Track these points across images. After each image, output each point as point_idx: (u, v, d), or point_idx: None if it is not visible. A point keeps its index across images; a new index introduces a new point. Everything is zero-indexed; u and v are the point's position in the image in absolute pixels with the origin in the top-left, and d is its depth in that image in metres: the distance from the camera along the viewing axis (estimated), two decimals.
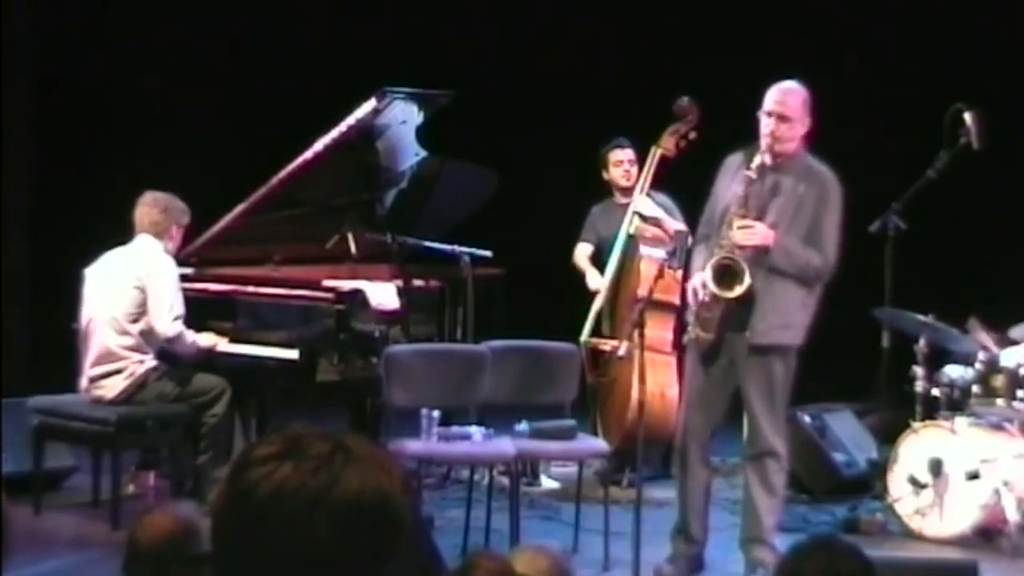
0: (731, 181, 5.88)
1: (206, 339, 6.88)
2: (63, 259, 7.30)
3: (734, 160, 5.98)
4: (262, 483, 1.60)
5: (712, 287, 5.69)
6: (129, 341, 6.68)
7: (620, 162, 7.82)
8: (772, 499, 5.90)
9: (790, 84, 5.84)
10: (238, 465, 1.64)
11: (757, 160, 5.74)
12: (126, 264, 6.74)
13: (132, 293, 6.67)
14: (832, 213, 5.79)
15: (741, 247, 5.68)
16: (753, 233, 5.68)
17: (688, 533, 6.01)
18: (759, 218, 5.73)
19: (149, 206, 6.80)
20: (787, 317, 5.78)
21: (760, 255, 5.70)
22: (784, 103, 5.77)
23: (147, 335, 6.70)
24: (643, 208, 7.63)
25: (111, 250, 6.84)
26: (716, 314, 5.78)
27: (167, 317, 6.66)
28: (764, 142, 5.76)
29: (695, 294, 5.81)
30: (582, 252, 7.94)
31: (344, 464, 1.62)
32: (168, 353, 6.85)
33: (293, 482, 1.60)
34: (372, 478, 1.63)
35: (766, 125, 5.76)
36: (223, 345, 6.92)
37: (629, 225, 7.65)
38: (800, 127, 5.80)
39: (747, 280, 5.64)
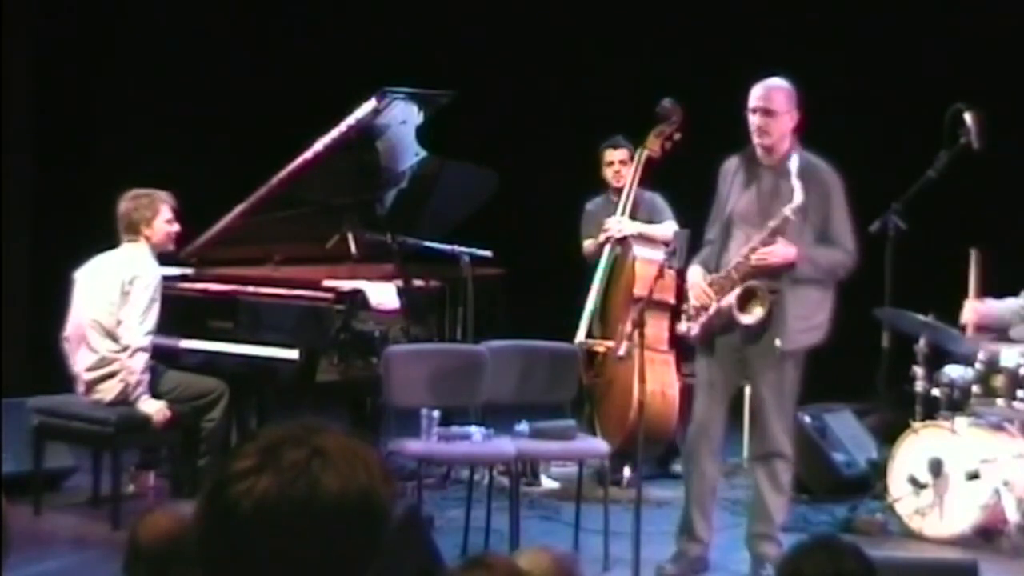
0: (731, 186, 5.91)
1: (151, 405, 6.58)
2: (63, 259, 7.29)
3: (731, 164, 6.00)
4: (243, 499, 1.59)
5: (736, 315, 5.74)
6: (119, 345, 6.64)
7: (611, 163, 7.85)
8: (782, 498, 5.95)
9: (773, 79, 5.88)
10: (217, 482, 1.62)
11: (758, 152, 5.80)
12: (115, 268, 6.68)
13: (121, 298, 6.63)
14: (840, 207, 5.84)
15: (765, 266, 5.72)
16: (768, 255, 5.71)
17: (693, 532, 6.00)
18: (766, 223, 5.76)
19: (120, 212, 6.68)
20: (810, 320, 5.84)
21: (787, 268, 5.74)
22: (768, 97, 5.81)
23: None
24: (627, 229, 7.65)
25: (103, 253, 6.81)
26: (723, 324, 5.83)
27: (137, 326, 6.55)
28: (755, 139, 5.81)
29: (697, 298, 5.83)
30: (590, 247, 7.96)
31: (322, 468, 1.60)
32: (165, 353, 6.84)
33: (274, 494, 1.59)
34: (352, 477, 1.62)
35: (753, 123, 5.81)
36: (161, 414, 6.57)
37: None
38: (788, 120, 5.82)
39: (763, 309, 5.69)
